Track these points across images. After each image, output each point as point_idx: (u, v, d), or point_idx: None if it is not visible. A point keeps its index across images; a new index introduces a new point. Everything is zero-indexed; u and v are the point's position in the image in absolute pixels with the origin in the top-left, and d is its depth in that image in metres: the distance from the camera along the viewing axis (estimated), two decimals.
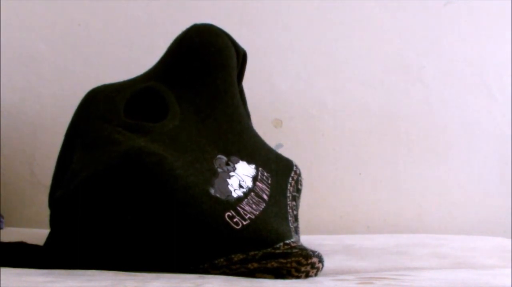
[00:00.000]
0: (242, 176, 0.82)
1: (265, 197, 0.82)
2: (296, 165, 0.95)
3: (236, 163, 0.84)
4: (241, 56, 0.97)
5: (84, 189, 0.73)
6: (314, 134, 1.39)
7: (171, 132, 0.81)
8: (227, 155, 0.84)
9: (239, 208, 0.75)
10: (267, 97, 1.38)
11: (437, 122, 1.41)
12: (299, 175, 0.94)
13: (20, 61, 1.37)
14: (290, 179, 0.91)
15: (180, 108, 0.86)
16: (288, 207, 0.86)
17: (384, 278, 0.71)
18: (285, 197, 0.87)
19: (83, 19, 1.37)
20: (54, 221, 0.75)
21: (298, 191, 0.93)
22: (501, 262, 0.95)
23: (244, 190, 0.80)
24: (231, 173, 0.81)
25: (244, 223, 0.73)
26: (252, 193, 0.80)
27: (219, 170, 0.80)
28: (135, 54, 1.36)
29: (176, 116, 0.84)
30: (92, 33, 1.37)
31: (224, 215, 0.73)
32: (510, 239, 1.16)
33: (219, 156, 0.83)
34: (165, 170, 0.72)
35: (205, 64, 0.90)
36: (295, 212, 0.89)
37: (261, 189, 0.83)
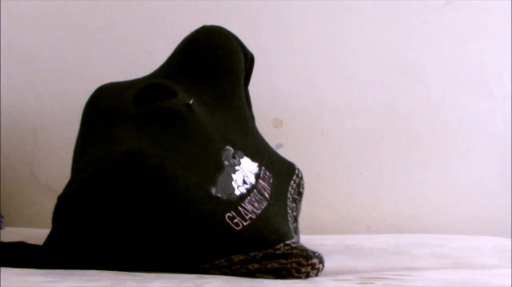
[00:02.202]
0: (246, 171, 0.82)
1: (266, 195, 0.82)
2: (298, 169, 0.95)
3: (241, 157, 0.84)
4: (249, 60, 0.97)
5: (85, 189, 0.73)
6: (314, 134, 1.39)
7: (181, 114, 0.80)
8: (234, 148, 0.84)
9: (240, 208, 0.75)
10: (267, 97, 1.38)
11: (437, 122, 1.41)
12: (301, 178, 0.94)
13: (20, 61, 1.37)
14: (292, 182, 0.91)
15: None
16: (288, 208, 0.86)
17: (384, 278, 0.71)
18: (286, 197, 0.87)
19: (83, 19, 1.37)
20: (56, 220, 0.75)
21: (300, 194, 0.93)
22: (501, 262, 0.95)
23: (248, 186, 0.79)
24: (237, 167, 0.81)
25: (245, 223, 0.73)
26: (255, 190, 0.80)
27: (226, 162, 0.80)
28: (135, 54, 1.36)
29: (185, 98, 0.84)
30: (92, 33, 1.37)
31: (224, 216, 0.72)
32: (510, 239, 1.16)
33: (227, 147, 0.83)
34: (165, 172, 0.72)
35: (214, 67, 0.90)
36: (294, 213, 0.89)
37: (263, 187, 0.83)
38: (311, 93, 1.39)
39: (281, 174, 0.90)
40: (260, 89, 1.36)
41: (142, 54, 1.36)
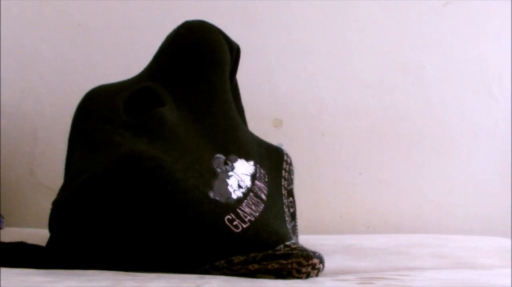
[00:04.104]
0: (240, 175, 0.82)
1: (263, 197, 0.82)
2: (286, 154, 0.94)
3: (235, 161, 0.84)
4: (235, 51, 0.96)
5: (83, 192, 0.72)
6: (314, 134, 1.39)
7: (171, 127, 0.81)
8: (226, 154, 0.84)
9: (239, 211, 0.75)
10: (267, 97, 1.38)
11: (437, 122, 1.41)
12: (290, 164, 0.94)
13: (20, 61, 1.37)
14: (283, 172, 0.91)
15: (176, 106, 0.86)
16: (285, 206, 0.86)
17: (384, 278, 0.71)
18: (281, 195, 0.87)
19: (83, 19, 1.37)
20: (52, 224, 0.75)
21: (291, 181, 0.92)
22: (501, 262, 0.95)
23: (243, 190, 0.79)
24: (230, 173, 0.81)
25: (244, 226, 0.73)
26: (251, 193, 0.80)
27: (218, 170, 0.80)
28: (135, 54, 1.36)
29: (173, 111, 0.84)
30: (92, 33, 1.37)
31: (224, 219, 0.72)
32: (510, 239, 1.16)
33: (217, 155, 0.83)
34: (165, 174, 0.72)
35: (199, 62, 0.90)
36: (291, 210, 0.88)
37: (260, 189, 0.83)
38: (311, 93, 1.39)
39: (272, 167, 0.90)
40: (260, 89, 1.36)
41: (142, 54, 1.35)
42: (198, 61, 0.90)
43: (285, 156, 0.94)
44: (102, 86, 0.93)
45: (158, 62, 0.93)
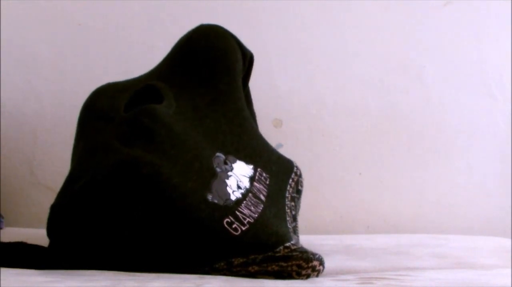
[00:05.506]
0: (239, 176, 0.81)
1: (262, 197, 0.81)
2: (296, 166, 0.94)
3: (233, 162, 0.84)
4: (248, 59, 0.96)
5: (80, 198, 0.72)
6: (314, 134, 1.39)
7: (166, 123, 0.79)
8: (225, 153, 0.84)
9: (237, 213, 0.74)
10: (267, 97, 1.37)
11: (437, 122, 1.41)
12: (300, 176, 0.94)
13: (20, 61, 1.37)
14: (290, 180, 0.91)
15: (177, 103, 0.85)
16: (286, 208, 0.85)
17: (384, 278, 0.71)
18: (284, 197, 0.86)
19: (83, 19, 1.37)
20: (50, 229, 0.75)
21: (298, 192, 0.92)
22: (501, 262, 0.95)
23: (242, 191, 0.79)
24: (229, 173, 0.81)
25: (243, 228, 0.73)
26: (250, 194, 0.79)
27: (218, 169, 0.79)
28: (135, 54, 1.36)
29: (171, 107, 0.83)
30: (92, 33, 1.37)
31: (223, 222, 0.72)
32: (510, 239, 1.16)
33: (218, 154, 0.82)
34: (162, 180, 0.71)
35: (210, 68, 0.89)
36: (293, 213, 0.88)
37: (259, 190, 0.82)
38: (311, 93, 1.39)
39: (279, 173, 0.89)
40: (260, 89, 1.35)
41: (142, 54, 1.36)
42: (208, 67, 0.89)
43: (295, 168, 0.93)
44: (109, 84, 0.92)
45: (168, 63, 0.93)
